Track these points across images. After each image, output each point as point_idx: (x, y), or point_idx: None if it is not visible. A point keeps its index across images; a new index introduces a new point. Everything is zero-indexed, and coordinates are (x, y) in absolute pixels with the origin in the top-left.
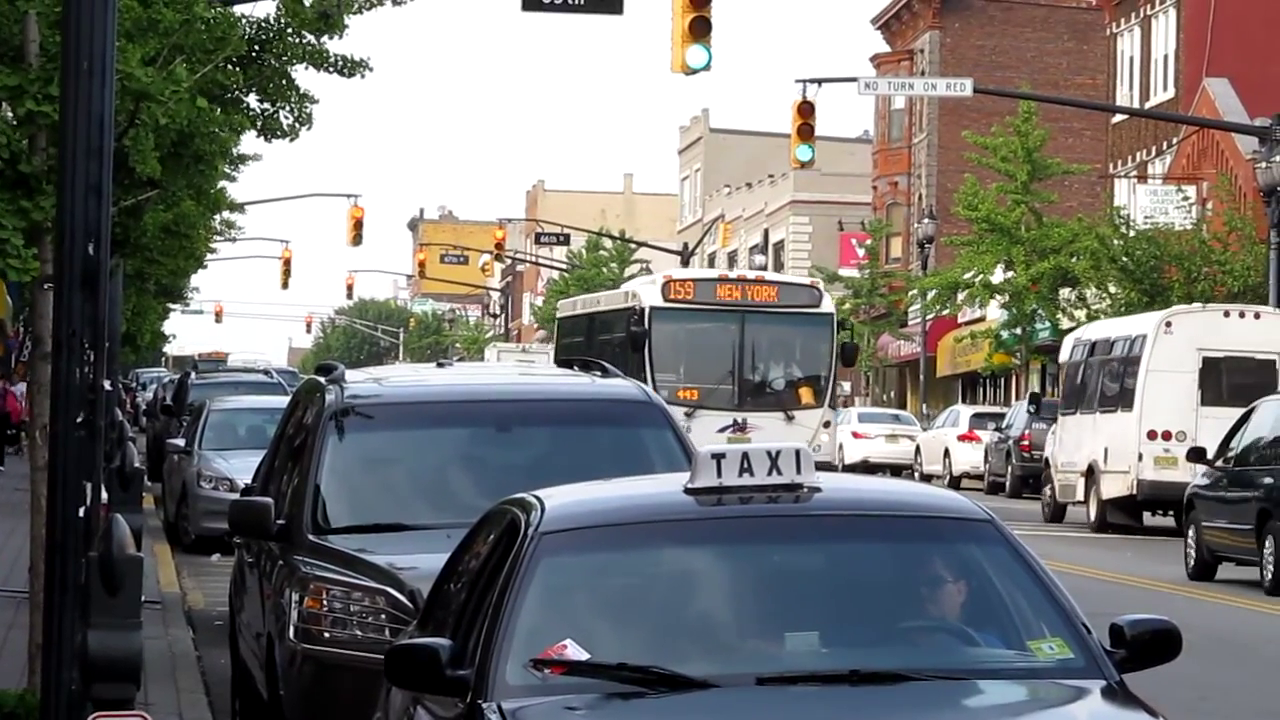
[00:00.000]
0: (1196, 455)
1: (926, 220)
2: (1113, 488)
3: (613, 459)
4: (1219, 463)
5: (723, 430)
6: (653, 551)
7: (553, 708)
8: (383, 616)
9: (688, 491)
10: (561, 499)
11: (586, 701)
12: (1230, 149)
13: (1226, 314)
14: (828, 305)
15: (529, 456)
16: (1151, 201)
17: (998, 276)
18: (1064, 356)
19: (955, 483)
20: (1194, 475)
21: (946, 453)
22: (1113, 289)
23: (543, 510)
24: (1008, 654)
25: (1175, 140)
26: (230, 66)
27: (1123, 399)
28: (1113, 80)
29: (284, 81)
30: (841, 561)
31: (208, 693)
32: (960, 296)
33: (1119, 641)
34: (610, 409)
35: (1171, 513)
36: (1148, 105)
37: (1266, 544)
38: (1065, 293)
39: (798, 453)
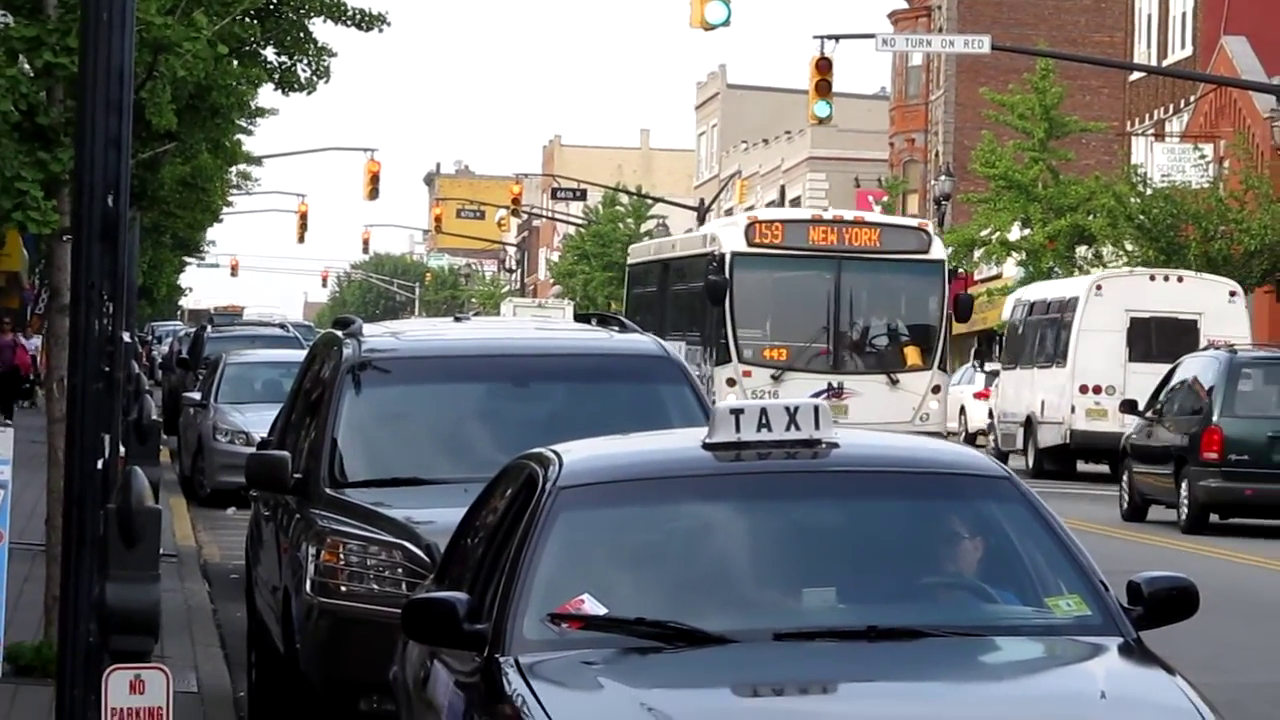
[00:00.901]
0: (1129, 407)
1: (943, 177)
2: (1048, 437)
3: (630, 414)
4: (1148, 414)
5: (816, 396)
6: (670, 506)
7: (570, 662)
8: (399, 570)
9: (706, 447)
10: (579, 454)
11: (604, 656)
12: (1248, 107)
13: (1152, 278)
14: (938, 251)
15: (546, 411)
16: (1168, 160)
17: (1014, 234)
18: (1005, 315)
19: (971, 439)
20: (1125, 426)
21: (962, 410)
22: (1129, 247)
23: (561, 465)
24: (1025, 610)
25: (1193, 99)
26: (248, 19)
27: (1058, 356)
28: (1131, 38)
29: (301, 34)
30: (859, 517)
31: (223, 646)
32: (977, 254)
33: (1136, 599)
34: (628, 364)
35: (1105, 463)
36: (1165, 63)
37: (1182, 487)
38: (1082, 250)
39: (816, 408)
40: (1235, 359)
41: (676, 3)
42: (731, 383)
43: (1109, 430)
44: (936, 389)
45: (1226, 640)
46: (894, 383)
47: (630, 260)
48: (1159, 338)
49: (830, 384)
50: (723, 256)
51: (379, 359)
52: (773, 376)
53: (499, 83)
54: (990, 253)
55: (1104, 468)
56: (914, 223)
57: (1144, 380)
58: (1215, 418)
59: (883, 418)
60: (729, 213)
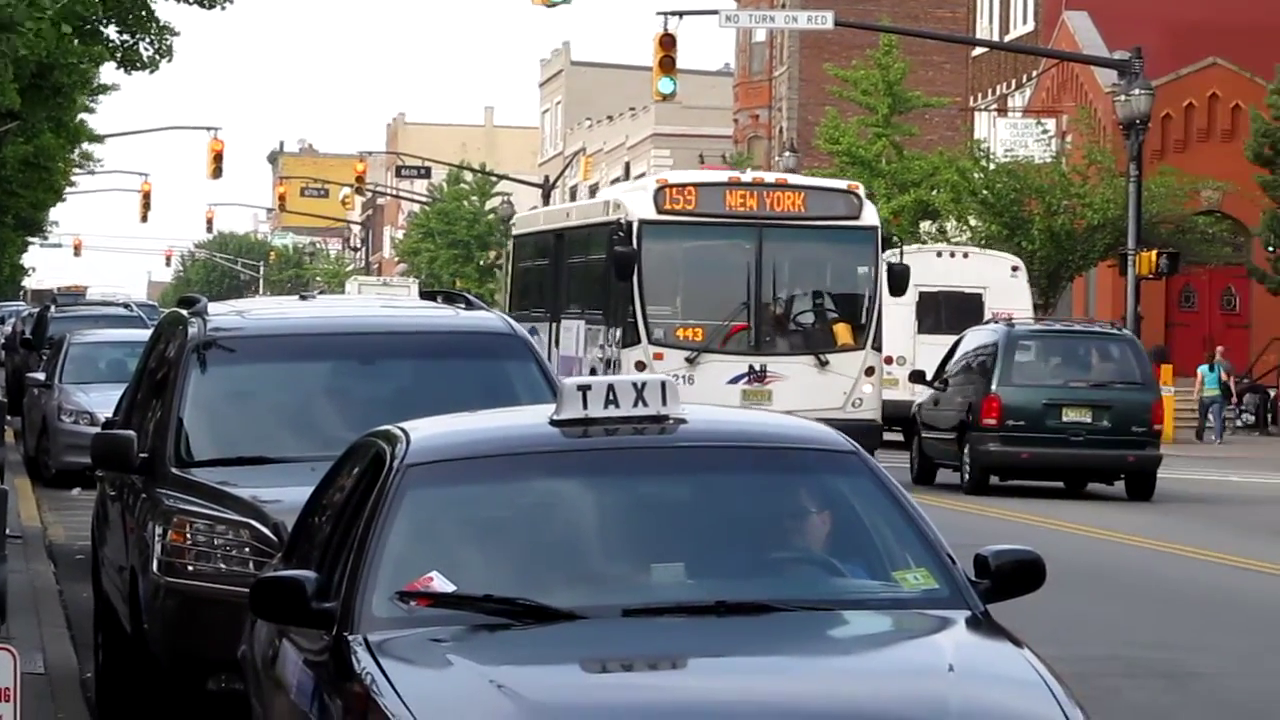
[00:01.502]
0: (918, 377)
1: (788, 153)
2: None
3: (477, 392)
4: (935, 384)
5: (736, 380)
6: (518, 483)
7: (419, 640)
8: (247, 550)
9: (553, 423)
10: (426, 431)
11: (453, 633)
12: (1090, 82)
13: (939, 254)
14: (870, 216)
15: (393, 389)
16: (1011, 135)
17: None
18: None
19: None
20: (916, 395)
21: None
22: (973, 222)
23: (408, 442)
24: (873, 584)
25: (1035, 73)
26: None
27: None
28: (973, 13)
29: (144, 13)
30: (707, 493)
31: (70, 626)
32: None
33: (983, 572)
34: (474, 341)
35: (899, 430)
36: (1007, 38)
37: (965, 452)
38: (926, 226)
39: (663, 384)
40: (1013, 331)
41: None
42: (641, 366)
43: (900, 399)
44: (870, 371)
45: (1069, 613)
46: (823, 364)
47: (516, 231)
48: (946, 311)
49: (752, 367)
50: (629, 225)
51: (224, 338)
52: (687, 359)
53: (343, 61)
54: None
55: (898, 434)
56: (843, 185)
57: (932, 351)
58: (994, 386)
59: (811, 404)
60: (573, 190)
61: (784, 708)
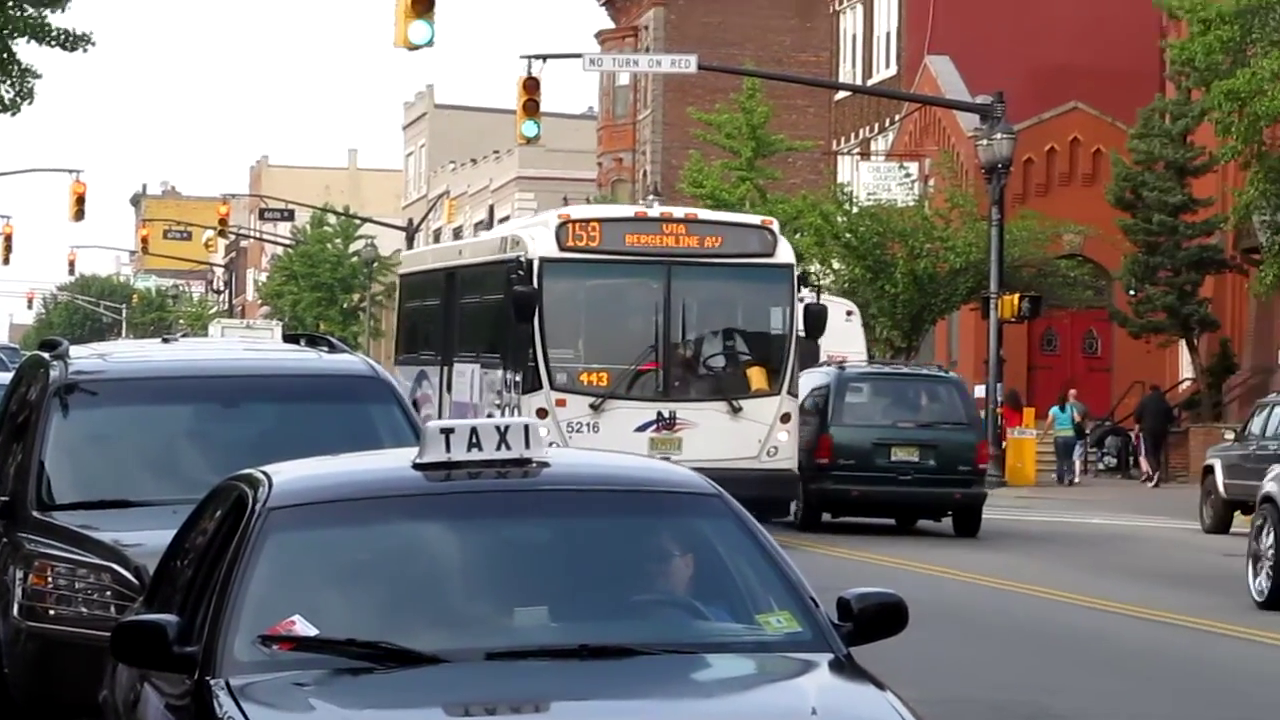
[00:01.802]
0: None
1: (651, 196)
2: None
3: (340, 435)
4: None
5: (644, 428)
6: (381, 527)
7: (281, 684)
8: (108, 593)
9: (416, 467)
10: (289, 475)
11: (315, 677)
12: (952, 126)
13: None
14: (785, 253)
15: (256, 432)
16: (874, 178)
17: None
18: None
19: None
20: None
21: None
22: (837, 265)
23: (270, 486)
24: (736, 627)
25: (898, 118)
26: None
27: None
28: (836, 58)
29: (4, 55)
30: (570, 536)
31: None
32: None
33: (846, 615)
34: (337, 384)
35: None
36: (870, 82)
37: (799, 489)
38: None
39: (526, 427)
40: (844, 374)
41: (382, 23)
42: (543, 414)
43: None
44: (786, 417)
45: (929, 654)
46: (736, 411)
47: (403, 270)
48: None
49: (660, 414)
50: (529, 263)
51: (86, 381)
52: (591, 406)
53: (206, 103)
54: None
55: None
56: (756, 220)
57: None
58: (827, 427)
59: (723, 453)
60: (437, 233)
61: None
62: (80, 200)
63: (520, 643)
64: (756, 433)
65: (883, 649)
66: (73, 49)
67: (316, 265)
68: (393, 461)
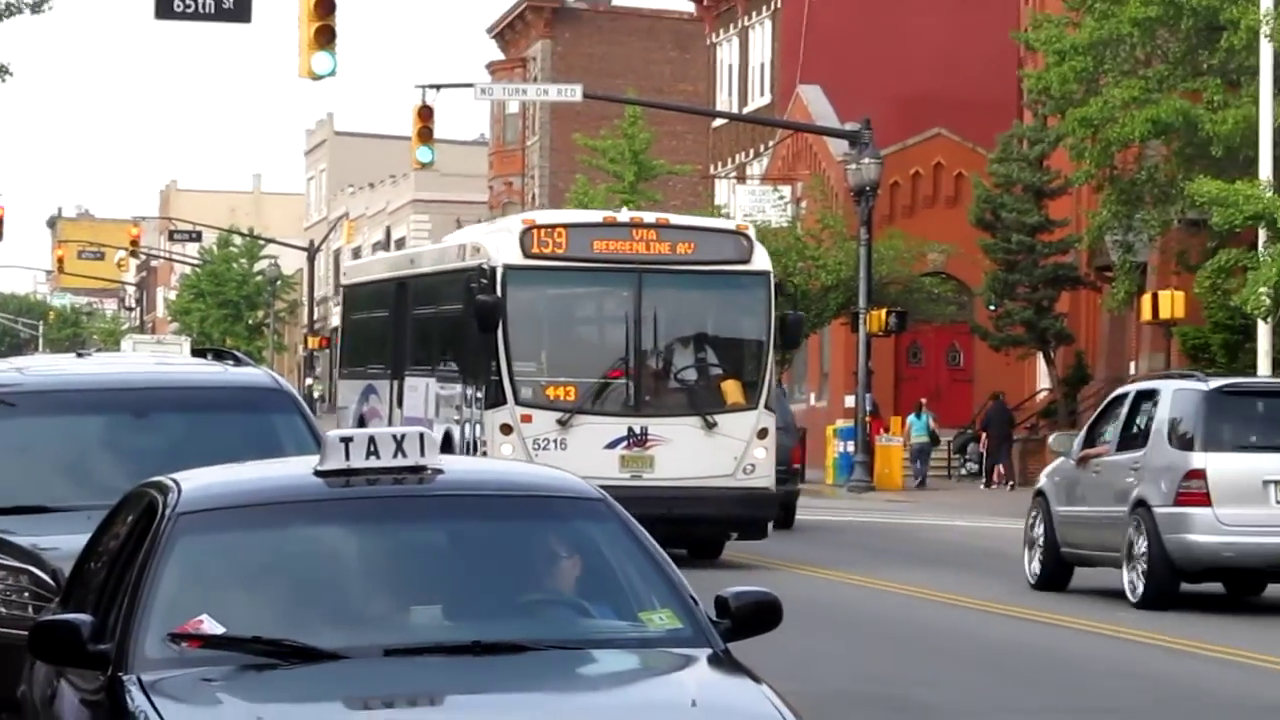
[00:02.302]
0: None
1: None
2: None
3: (245, 444)
4: None
5: (614, 445)
6: (285, 530)
7: (190, 679)
8: (26, 595)
9: (317, 474)
10: (197, 481)
11: (222, 673)
12: (823, 151)
13: None
14: (762, 260)
15: (166, 441)
16: (750, 200)
17: None
18: None
19: None
20: None
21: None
22: None
23: (179, 492)
24: (620, 625)
25: (771, 143)
26: None
27: None
28: (713, 87)
29: None
30: (463, 539)
31: None
32: None
33: (724, 612)
34: (242, 396)
35: None
36: (746, 110)
37: None
38: None
39: (421, 435)
40: None
41: (286, 54)
42: (507, 430)
43: None
44: (763, 433)
45: (799, 648)
46: (711, 426)
47: (347, 280)
48: None
49: (631, 429)
50: (492, 271)
51: (4, 393)
52: (559, 422)
53: (118, 130)
54: None
55: None
56: (731, 225)
57: None
58: None
59: (698, 470)
60: (337, 253)
61: None
62: None
63: (416, 640)
64: (733, 449)
65: (756, 641)
66: None
67: (223, 284)
68: (295, 469)
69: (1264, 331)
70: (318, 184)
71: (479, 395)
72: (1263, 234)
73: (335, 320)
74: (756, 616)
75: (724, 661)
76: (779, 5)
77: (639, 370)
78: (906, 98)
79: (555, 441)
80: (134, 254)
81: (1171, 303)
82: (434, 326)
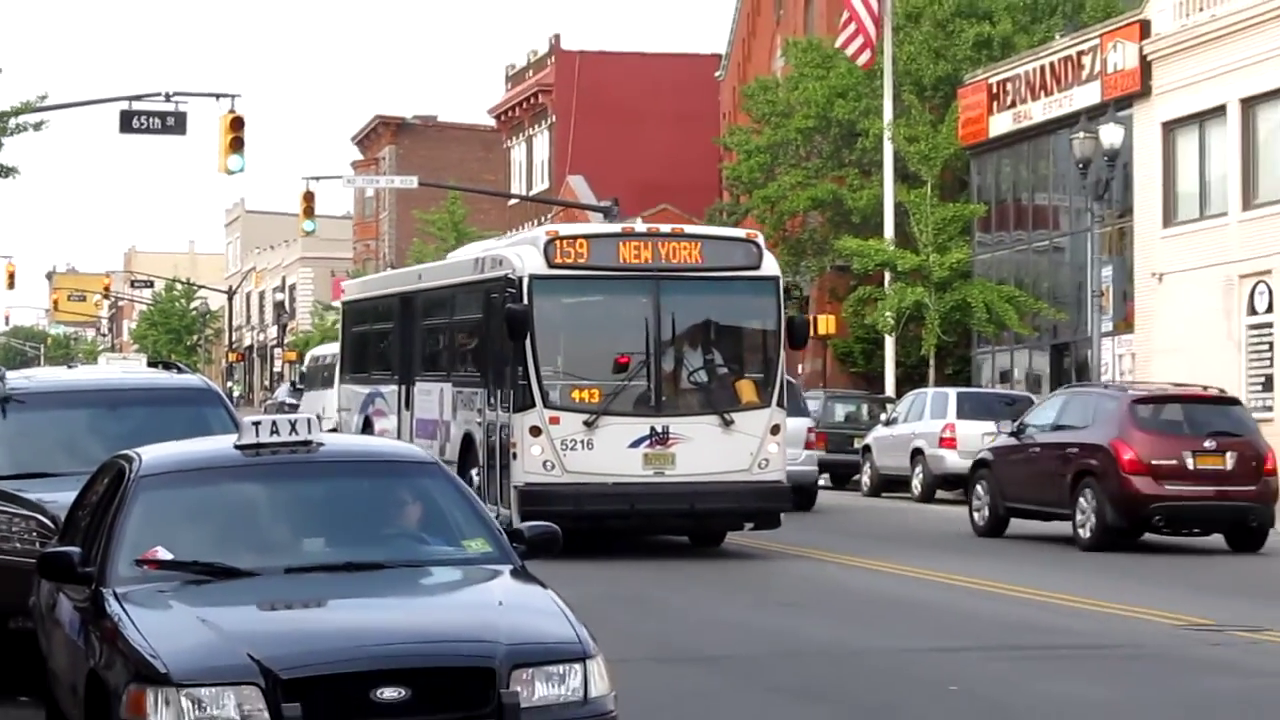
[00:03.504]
0: None
1: (388, 269)
2: None
3: (185, 427)
4: None
5: (637, 444)
6: (216, 486)
7: (149, 591)
8: (34, 534)
9: (237, 447)
10: (152, 453)
11: (172, 587)
12: (584, 220)
13: None
14: (771, 266)
15: (130, 426)
16: None
17: None
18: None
19: None
20: None
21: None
22: None
23: (140, 461)
24: (448, 549)
25: (549, 216)
26: None
27: None
28: (509, 177)
29: None
30: (339, 491)
31: None
32: None
33: (519, 540)
34: (183, 394)
35: None
36: (531, 193)
37: None
38: None
39: (309, 420)
40: None
41: (210, 155)
42: (536, 431)
43: None
44: (776, 429)
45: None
46: (728, 424)
47: (347, 297)
48: None
49: (654, 429)
50: (518, 281)
51: (18, 393)
52: (585, 423)
53: (93, 206)
54: None
55: None
56: (741, 234)
57: None
58: None
59: (716, 465)
60: (248, 296)
61: (389, 628)
62: (11, 276)
63: (307, 561)
64: (748, 445)
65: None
66: (5, 176)
67: (169, 317)
68: (222, 444)
69: (889, 342)
70: (234, 247)
71: (506, 399)
72: (888, 276)
73: (249, 339)
74: (543, 543)
75: (521, 574)
76: (553, 121)
77: (659, 372)
78: (643, 183)
79: (582, 442)
80: (106, 297)
81: (826, 323)
82: (448, 335)
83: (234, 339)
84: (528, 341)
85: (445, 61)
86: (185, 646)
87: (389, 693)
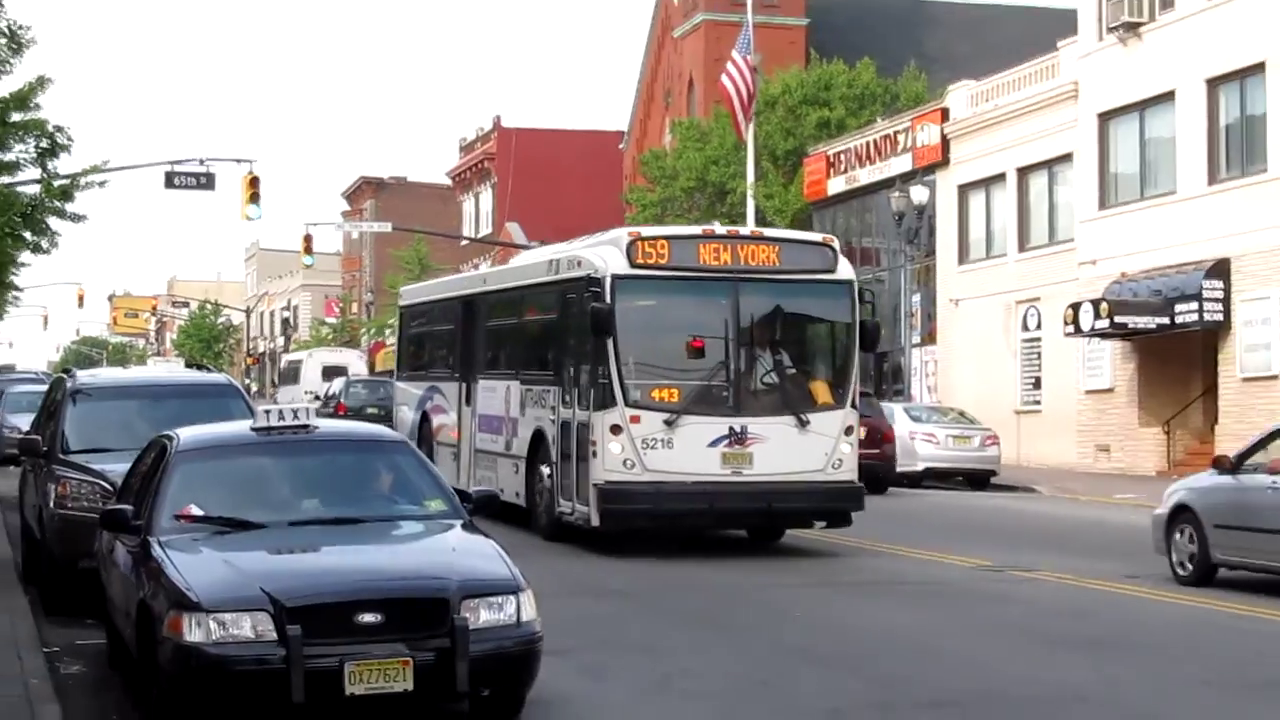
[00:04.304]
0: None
1: (369, 294)
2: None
3: (213, 413)
4: None
5: (715, 444)
6: (237, 460)
7: (185, 539)
8: (97, 494)
9: (253, 429)
10: (188, 433)
11: (202, 536)
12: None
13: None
14: (846, 270)
15: (171, 413)
16: None
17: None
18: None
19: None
20: None
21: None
22: None
23: (179, 439)
24: (414, 508)
25: (493, 253)
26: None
27: None
28: (462, 224)
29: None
30: (330, 463)
31: (9, 537)
32: (387, 332)
33: (468, 500)
34: (212, 389)
35: None
36: (478, 236)
37: None
38: None
39: (307, 408)
40: None
41: (234, 205)
42: (617, 430)
43: None
44: (850, 430)
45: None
46: (804, 424)
47: (405, 301)
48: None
49: (732, 428)
50: (601, 280)
51: (85, 386)
52: (665, 422)
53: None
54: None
55: None
56: (818, 238)
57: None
58: None
59: (792, 466)
60: (261, 315)
61: (368, 568)
62: (80, 298)
63: (305, 516)
64: (823, 446)
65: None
66: (77, 222)
67: (201, 330)
68: (241, 426)
69: None
70: (252, 276)
71: (585, 397)
72: None
73: (262, 347)
74: (486, 504)
75: (469, 527)
76: (495, 181)
77: (737, 373)
78: (564, 228)
79: (662, 441)
80: (153, 314)
81: None
82: (517, 334)
83: (250, 347)
84: (610, 340)
85: (415, 133)
86: (212, 581)
87: (368, 617)
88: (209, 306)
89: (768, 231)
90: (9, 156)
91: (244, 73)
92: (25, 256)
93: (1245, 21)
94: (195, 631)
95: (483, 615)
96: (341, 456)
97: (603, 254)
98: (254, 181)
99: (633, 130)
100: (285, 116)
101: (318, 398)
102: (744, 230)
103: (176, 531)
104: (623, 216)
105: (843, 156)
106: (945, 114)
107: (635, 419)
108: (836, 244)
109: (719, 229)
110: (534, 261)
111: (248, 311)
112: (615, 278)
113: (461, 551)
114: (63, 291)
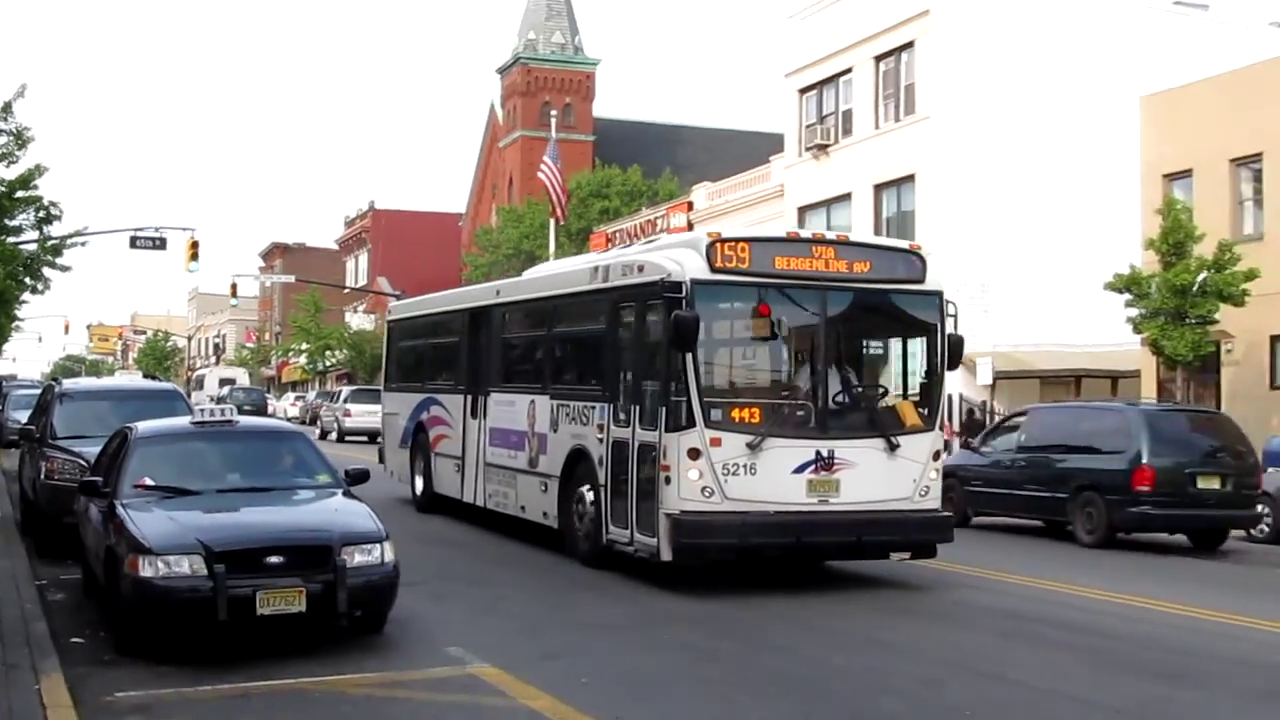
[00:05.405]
0: None
1: (278, 326)
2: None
3: (162, 411)
4: None
5: (801, 469)
6: (180, 444)
7: (142, 502)
8: (77, 470)
9: (192, 423)
10: (144, 425)
11: (154, 500)
12: (384, 304)
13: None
14: (934, 280)
15: (132, 411)
16: (355, 320)
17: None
18: None
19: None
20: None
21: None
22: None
23: (137, 429)
24: (308, 481)
25: (366, 299)
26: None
27: None
28: (345, 276)
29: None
30: (250, 449)
31: (10, 501)
32: (289, 354)
33: (347, 476)
34: (163, 393)
35: None
36: (357, 285)
37: None
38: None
39: (235, 408)
40: None
41: (178, 259)
42: (695, 454)
43: None
44: (937, 455)
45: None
46: (893, 449)
47: (393, 316)
48: None
49: (819, 453)
50: (681, 286)
51: (68, 391)
52: (748, 446)
53: (109, 286)
54: (297, 352)
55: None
56: (905, 244)
57: None
58: None
59: (880, 494)
60: (200, 341)
61: (275, 523)
62: (67, 326)
63: (230, 486)
64: (911, 472)
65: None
66: (64, 271)
67: (156, 351)
68: (183, 421)
69: None
70: (192, 312)
71: (652, 416)
72: None
73: (200, 365)
74: (358, 478)
75: (348, 494)
76: (370, 247)
77: (824, 391)
78: (419, 282)
79: (744, 466)
80: (120, 339)
81: None
82: (545, 346)
83: (191, 364)
84: (689, 354)
85: (313, 209)
86: (160, 532)
87: (274, 559)
88: (161, 334)
89: (854, 236)
90: (14, 222)
91: (190, 156)
92: (26, 296)
93: (901, 146)
94: (148, 569)
95: (357, 558)
96: (256, 443)
97: (677, 257)
98: (194, 245)
99: (469, 212)
100: (219, 191)
101: (214, 399)
102: (829, 234)
103: (135, 496)
104: (460, 276)
105: (618, 235)
106: (691, 205)
107: (716, 441)
108: (925, 252)
109: (804, 233)
110: (572, 270)
111: (189, 338)
112: (695, 283)
113: (343, 512)
114: (53, 321)
